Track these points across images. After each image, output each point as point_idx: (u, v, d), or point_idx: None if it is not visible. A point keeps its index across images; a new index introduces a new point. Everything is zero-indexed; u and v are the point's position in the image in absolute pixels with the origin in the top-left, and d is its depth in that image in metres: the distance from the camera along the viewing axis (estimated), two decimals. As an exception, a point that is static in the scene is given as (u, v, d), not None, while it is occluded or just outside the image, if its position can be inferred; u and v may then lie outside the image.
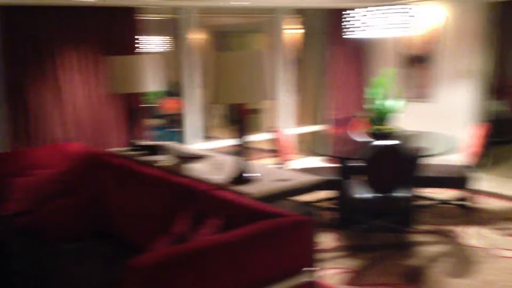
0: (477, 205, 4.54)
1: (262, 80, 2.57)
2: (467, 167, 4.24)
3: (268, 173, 2.96)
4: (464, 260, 3.56)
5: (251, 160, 2.87)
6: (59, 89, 4.33)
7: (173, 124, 6.97)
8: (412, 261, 3.59)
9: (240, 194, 2.60)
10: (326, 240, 4.03)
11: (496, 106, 7.02)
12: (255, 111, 8.09)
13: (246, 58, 2.59)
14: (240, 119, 2.71)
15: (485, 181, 5.17)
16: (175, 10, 5.10)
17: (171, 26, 5.53)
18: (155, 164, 3.27)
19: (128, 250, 2.85)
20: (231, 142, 5.74)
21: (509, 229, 4.07)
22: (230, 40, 9.44)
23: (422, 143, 4.65)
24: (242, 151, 2.74)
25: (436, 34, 5.84)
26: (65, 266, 2.79)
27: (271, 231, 2.12)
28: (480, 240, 3.87)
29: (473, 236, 3.97)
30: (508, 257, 3.56)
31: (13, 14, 4.05)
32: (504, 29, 7.30)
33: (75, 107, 4.42)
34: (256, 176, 2.79)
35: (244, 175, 2.75)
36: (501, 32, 7.16)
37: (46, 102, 4.28)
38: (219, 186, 2.71)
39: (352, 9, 4.09)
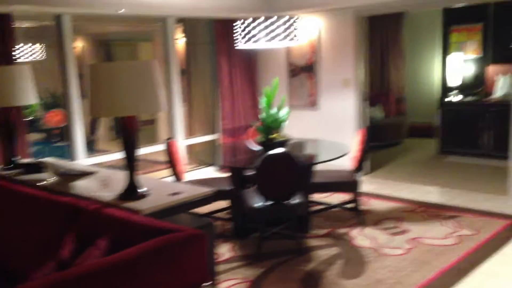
0: (364, 207, 4.80)
1: (151, 91, 2.45)
2: (353, 171, 4.46)
3: (160, 187, 2.84)
4: (355, 261, 3.71)
5: (142, 174, 2.74)
6: None
7: (59, 138, 6.52)
8: (309, 266, 3.67)
9: (130, 211, 2.46)
10: (223, 251, 3.99)
11: (373, 112, 7.55)
12: (150, 122, 7.87)
13: (133, 67, 2.45)
14: (127, 131, 2.56)
15: (367, 184, 5.52)
16: (55, 17, 4.77)
17: (51, 34, 5.16)
18: (37, 184, 2.99)
19: (8, 279, 2.57)
20: (120, 156, 5.49)
21: (392, 228, 4.34)
22: (117, 49, 9.12)
23: (312, 150, 4.82)
24: (130, 164, 2.59)
25: (315, 45, 6.14)
26: None
27: (164, 248, 2.01)
28: (368, 241, 4.07)
29: (362, 237, 4.16)
30: (393, 255, 3.78)
31: None
32: (373, 41, 7.94)
33: None
34: (147, 191, 2.66)
35: (134, 190, 2.61)
36: (371, 44, 7.76)
37: None
38: (107, 204, 2.54)
39: (239, 20, 4.13)
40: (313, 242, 4.09)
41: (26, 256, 2.67)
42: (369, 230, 4.30)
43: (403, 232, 4.23)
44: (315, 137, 5.28)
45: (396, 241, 4.03)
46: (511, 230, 4.14)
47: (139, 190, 2.62)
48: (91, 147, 5.66)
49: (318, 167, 4.31)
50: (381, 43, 8.15)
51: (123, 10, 4.81)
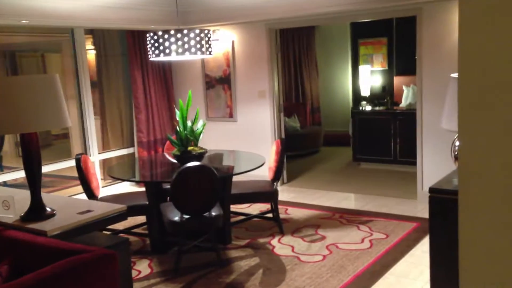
0: (283, 216, 4.88)
1: (52, 106, 2.33)
2: (271, 181, 4.53)
3: (69, 205, 2.70)
4: (276, 270, 3.75)
5: (54, 191, 2.59)
6: None
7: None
8: (230, 278, 3.65)
9: (35, 232, 2.31)
10: (142, 267, 3.86)
11: (289, 123, 7.76)
12: (63, 136, 7.50)
13: (34, 82, 2.33)
14: (29, 149, 2.41)
15: (284, 193, 5.64)
16: None
17: None
18: None
19: None
20: (24, 172, 5.16)
21: (310, 235, 4.44)
22: (23, 60, 8.62)
23: (229, 162, 4.83)
24: (33, 183, 2.44)
25: (230, 57, 6.21)
26: None
27: (70, 271, 1.90)
28: (288, 249, 4.14)
29: (282, 245, 4.22)
30: (311, 261, 3.87)
31: None
32: (287, 53, 8.19)
33: None
34: (55, 210, 2.51)
35: (39, 210, 2.45)
36: (284, 56, 8.00)
37: None
38: (9, 226, 2.36)
39: (152, 31, 4.07)
40: (234, 253, 4.08)
41: None
42: (288, 239, 4.37)
43: (321, 238, 4.34)
44: (233, 149, 5.31)
45: (315, 248, 4.13)
46: (419, 232, 4.39)
47: (44, 210, 2.47)
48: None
49: (236, 178, 4.32)
50: (295, 54, 8.39)
51: (24, 21, 4.55)
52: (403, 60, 7.59)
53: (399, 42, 7.57)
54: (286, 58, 8.23)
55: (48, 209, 2.50)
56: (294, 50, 8.38)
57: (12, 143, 7.78)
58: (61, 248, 2.08)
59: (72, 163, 5.26)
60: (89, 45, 6.23)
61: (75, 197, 4.23)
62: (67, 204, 2.74)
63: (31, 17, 4.58)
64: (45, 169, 4.82)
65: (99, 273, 2.01)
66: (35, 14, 4.61)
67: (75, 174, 5.45)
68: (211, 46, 4.24)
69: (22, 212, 2.48)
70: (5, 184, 4.81)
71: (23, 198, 2.67)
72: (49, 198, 2.73)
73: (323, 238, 4.35)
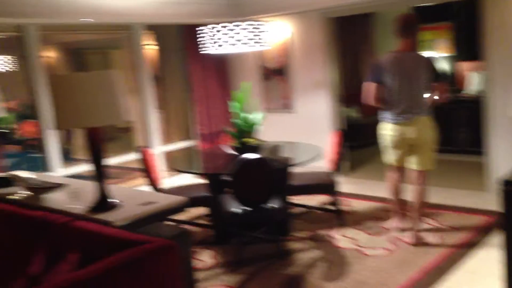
0: (344, 208, 4.79)
1: (115, 101, 2.39)
2: (331, 172, 4.45)
3: (133, 196, 2.77)
4: (338, 263, 3.69)
5: (118, 183, 2.67)
6: None
7: (33, 149, 6.37)
8: (291, 269, 3.63)
9: (102, 223, 2.38)
10: (205, 258, 3.93)
11: (349, 113, 7.58)
12: (125, 130, 7.76)
13: (91, 79, 2.40)
14: (93, 143, 2.49)
15: (346, 184, 5.50)
16: (17, 27, 4.65)
17: (16, 45, 5.03)
18: (6, 198, 2.88)
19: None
20: (90, 165, 5.36)
21: (372, 228, 4.33)
22: (89, 57, 8.98)
23: (287, 153, 4.79)
24: (99, 175, 2.52)
25: (286, 48, 6.13)
26: None
27: (136, 260, 1.95)
28: (350, 242, 4.06)
29: (344, 238, 4.15)
30: (374, 255, 3.77)
31: None
32: (344, 41, 7.98)
33: None
34: (119, 201, 2.59)
35: (105, 201, 2.53)
36: (342, 45, 7.80)
37: None
38: (78, 217, 2.46)
39: (205, 25, 4.08)
40: (294, 245, 4.06)
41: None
42: (350, 231, 4.28)
43: (384, 231, 4.22)
44: (290, 140, 5.25)
45: (378, 241, 4.02)
46: (490, 226, 4.16)
47: (110, 201, 2.55)
48: (68, 156, 5.53)
49: (295, 170, 4.28)
50: (354, 43, 8.18)
51: (87, 19, 4.72)
52: (467, 45, 7.19)
53: (463, 26, 7.17)
54: (344, 47, 8.03)
55: (114, 200, 2.58)
56: (354, 38, 8.17)
57: (81, 137, 8.16)
58: (126, 238, 2.13)
59: (135, 156, 5.44)
60: (151, 41, 6.39)
61: (138, 188, 4.36)
62: (131, 195, 2.80)
63: (96, 16, 4.75)
64: (111, 161, 5.01)
65: (159, 263, 2.05)
66: (98, 12, 4.77)
67: (138, 166, 5.65)
68: (266, 37, 4.21)
69: (90, 203, 2.57)
70: (76, 176, 5.04)
71: (89, 190, 2.77)
72: (114, 190, 2.82)
73: (387, 231, 4.22)
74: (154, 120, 5.87)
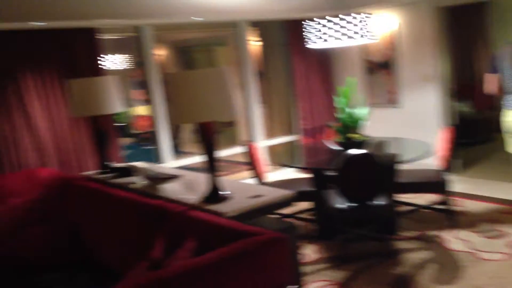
0: (455, 208, 4.51)
1: (226, 97, 2.47)
2: (442, 170, 4.21)
3: (241, 189, 2.85)
4: (450, 266, 3.49)
5: (224, 175, 2.76)
6: (27, 114, 4.16)
7: (146, 142, 6.83)
8: (399, 269, 3.51)
9: (214, 213, 2.49)
10: (308, 252, 3.93)
11: (460, 108, 7.09)
12: (229, 124, 8.01)
13: (207, 75, 2.49)
14: (206, 136, 2.59)
15: (458, 183, 5.15)
16: (135, 28, 4.98)
17: (132, 44, 5.41)
18: (128, 187, 3.12)
19: (106, 277, 2.72)
20: (203, 158, 5.62)
21: (488, 231, 4.03)
22: (194, 54, 9.38)
23: (394, 149, 4.62)
24: (211, 167, 2.62)
25: (393, 41, 5.88)
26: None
27: (248, 251, 2.00)
28: (463, 244, 3.82)
29: (456, 240, 3.92)
30: (491, 259, 3.51)
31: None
32: (456, 32, 7.45)
33: (45, 131, 4.26)
34: (229, 193, 2.68)
35: (217, 193, 2.63)
36: (453, 36, 7.29)
37: (15, 128, 4.11)
38: (192, 206, 2.58)
39: (310, 19, 4.05)
40: (402, 245, 3.91)
41: (119, 254, 2.80)
42: (462, 233, 4.03)
43: (502, 235, 3.91)
44: (396, 136, 5.06)
45: (494, 245, 3.74)
46: None
47: (221, 193, 2.64)
48: (177, 149, 5.85)
49: (402, 167, 4.12)
50: (467, 34, 7.65)
51: (198, 18, 4.92)
52: None
53: None
54: (456, 38, 7.55)
55: (225, 192, 2.67)
56: (466, 29, 7.65)
57: (189, 131, 8.58)
58: (238, 229, 2.20)
59: (239, 149, 5.59)
60: (255, 37, 6.52)
61: (245, 181, 4.48)
62: (240, 188, 2.89)
63: (205, 14, 4.95)
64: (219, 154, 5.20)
65: (270, 255, 2.08)
66: (206, 11, 4.96)
67: (240, 159, 5.82)
68: (372, 30, 4.09)
69: (203, 194, 2.69)
70: (184, 167, 5.32)
71: (201, 182, 2.90)
72: (224, 182, 2.92)
73: (505, 234, 3.91)
74: (257, 115, 5.98)
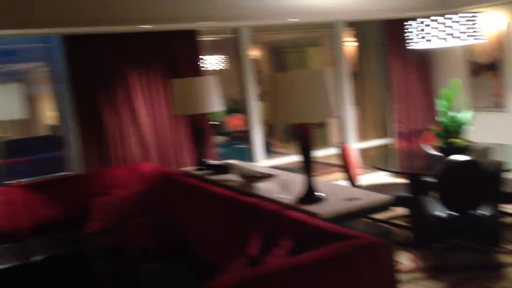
0: None
1: (325, 98, 2.46)
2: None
3: (336, 191, 2.82)
4: (561, 285, 3.20)
5: (318, 177, 2.75)
6: (132, 112, 4.46)
7: (239, 141, 7.00)
8: (502, 284, 3.28)
9: (309, 214, 2.49)
10: (403, 261, 3.80)
11: None
12: (320, 125, 7.96)
13: (306, 76, 2.50)
14: (303, 137, 2.60)
15: None
16: (233, 29, 5.12)
17: (229, 45, 5.57)
18: (224, 184, 3.23)
19: (202, 269, 2.83)
20: (296, 158, 5.64)
21: None
22: (286, 55, 9.42)
23: (499, 157, 4.30)
24: (307, 168, 2.62)
25: (500, 41, 5.46)
26: (144, 286, 2.80)
27: (346, 254, 1.98)
28: None
29: None
30: None
31: (78, 43, 4.22)
32: None
33: (147, 128, 4.53)
34: (324, 195, 2.66)
35: (311, 194, 2.63)
36: None
37: (121, 125, 4.42)
38: (287, 206, 2.61)
39: (413, 19, 3.89)
40: (506, 259, 3.64)
41: (214, 249, 2.90)
42: None
43: None
44: (502, 142, 4.70)
45: None
46: None
47: (316, 194, 2.64)
48: (268, 149, 5.93)
49: (509, 176, 3.82)
50: None
51: (294, 19, 4.95)
52: None
53: None
54: None
55: (320, 194, 2.66)
56: None
57: (280, 131, 8.67)
58: (334, 231, 2.18)
59: (331, 151, 5.54)
60: (350, 37, 6.42)
61: (337, 183, 4.43)
62: (334, 190, 2.86)
63: (302, 15, 4.96)
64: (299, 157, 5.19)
65: (367, 259, 2.04)
66: (303, 12, 4.97)
67: (330, 161, 5.76)
68: (479, 30, 3.85)
69: (297, 194, 2.70)
70: (276, 167, 5.37)
71: (296, 182, 2.91)
72: (318, 183, 2.91)
73: None
74: (350, 116, 5.89)
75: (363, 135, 6.30)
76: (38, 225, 3.75)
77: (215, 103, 3.59)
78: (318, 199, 2.62)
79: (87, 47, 4.25)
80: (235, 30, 5.12)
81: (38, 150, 6.83)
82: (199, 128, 3.84)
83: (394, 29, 5.81)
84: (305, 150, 2.63)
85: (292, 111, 2.48)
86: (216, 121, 6.94)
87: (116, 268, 3.03)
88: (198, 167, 3.77)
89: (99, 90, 4.33)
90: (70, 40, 4.20)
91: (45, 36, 4.53)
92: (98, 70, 4.32)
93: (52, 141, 7.37)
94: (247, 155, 5.36)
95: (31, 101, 7.23)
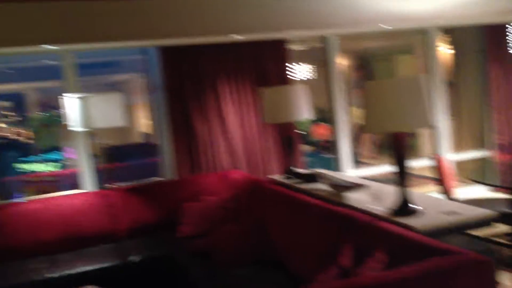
0: None
1: (421, 107, 2.37)
2: None
3: (433, 204, 2.69)
4: None
5: (412, 189, 2.64)
6: (222, 120, 4.59)
7: (324, 150, 6.94)
8: None
9: (404, 227, 2.39)
10: (506, 282, 3.52)
11: None
12: (410, 135, 7.68)
13: (402, 84, 2.42)
14: (397, 145, 2.51)
15: None
16: (321, 38, 5.09)
17: (316, 54, 5.53)
18: (313, 193, 3.21)
19: (291, 277, 2.83)
20: (385, 168, 5.46)
21: None
22: (374, 63, 9.20)
23: None
24: (401, 179, 2.52)
25: None
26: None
27: (448, 271, 1.88)
28: None
29: None
30: None
31: (173, 53, 4.42)
32: None
33: (236, 136, 4.63)
34: (420, 207, 2.55)
35: (406, 205, 2.53)
36: None
37: (211, 133, 4.56)
38: (381, 218, 2.53)
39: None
40: None
41: (302, 257, 2.88)
42: None
43: None
44: None
45: None
46: None
47: (411, 206, 2.53)
48: (354, 160, 5.81)
49: None
50: None
51: (386, 26, 4.82)
52: None
53: None
54: None
55: (415, 206, 2.55)
56: None
57: (368, 141, 8.48)
58: (434, 246, 2.08)
59: (424, 161, 5.30)
60: (444, 44, 6.12)
61: (432, 196, 4.22)
62: (429, 202, 2.73)
63: (391, 22, 4.82)
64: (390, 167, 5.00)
65: (473, 279, 1.92)
66: (395, 19, 4.83)
67: (422, 172, 5.49)
68: None
69: (391, 205, 2.60)
70: (364, 178, 5.24)
71: (388, 193, 2.81)
72: (414, 195, 2.79)
73: None
74: (445, 126, 5.60)
75: (458, 147, 5.96)
76: (135, 227, 3.96)
77: (304, 112, 3.60)
78: (413, 212, 2.52)
79: (182, 57, 4.44)
80: (323, 39, 5.09)
81: (133, 156, 7.25)
82: (288, 136, 3.86)
83: (495, 34, 5.46)
84: (399, 160, 2.54)
85: (387, 119, 2.41)
86: (302, 130, 6.94)
87: (208, 272, 3.11)
88: (286, 175, 3.79)
89: (191, 99, 4.50)
90: (166, 51, 4.42)
91: (143, 48, 4.81)
92: (190, 79, 4.49)
93: (146, 148, 7.80)
94: (333, 165, 5.29)
95: (127, 110, 7.69)
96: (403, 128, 2.44)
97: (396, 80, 2.53)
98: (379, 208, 2.65)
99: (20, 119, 12.97)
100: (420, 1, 4.86)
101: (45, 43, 3.91)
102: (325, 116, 5.92)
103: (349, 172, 5.16)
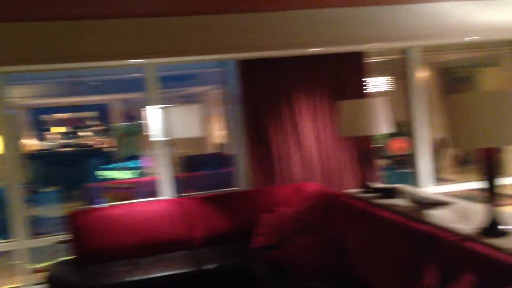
0: None
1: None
2: None
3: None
4: None
5: (502, 208, 2.47)
6: (297, 132, 4.58)
7: (401, 165, 6.70)
8: None
9: (494, 248, 2.23)
10: None
11: None
12: (498, 151, 7.22)
13: (494, 97, 2.28)
14: (487, 161, 2.36)
15: None
16: (401, 50, 4.95)
17: (395, 66, 5.37)
18: (392, 208, 3.10)
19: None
20: (469, 185, 5.16)
21: None
22: (457, 76, 8.79)
23: None
24: (491, 197, 2.37)
25: None
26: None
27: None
28: None
29: None
30: None
31: (251, 66, 4.48)
32: None
33: (311, 148, 4.61)
34: (511, 228, 2.37)
35: (496, 226, 2.37)
36: None
37: (286, 144, 4.57)
38: (467, 237, 2.38)
39: None
40: None
41: (379, 273, 2.78)
42: None
43: None
44: None
45: None
46: None
47: (504, 226, 2.37)
48: (434, 176, 5.56)
49: None
50: None
51: (472, 37, 4.59)
52: None
53: None
54: None
55: (506, 226, 2.38)
56: None
57: (450, 157, 8.10)
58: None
59: (509, 179, 4.96)
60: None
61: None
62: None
63: (476, 33, 4.59)
64: (475, 184, 4.72)
65: None
66: (483, 30, 4.58)
67: (509, 192, 5.12)
68: None
69: (479, 225, 2.45)
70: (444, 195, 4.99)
71: (476, 211, 2.66)
72: (502, 214, 2.61)
73: None
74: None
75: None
76: (209, 236, 4.03)
77: (383, 125, 3.50)
78: (504, 233, 2.36)
79: (259, 69, 4.50)
80: (403, 51, 4.95)
81: (207, 166, 7.41)
82: (365, 150, 3.77)
83: None
84: (490, 177, 2.40)
85: (477, 135, 2.28)
86: (378, 144, 6.77)
87: (282, 283, 3.09)
88: (363, 189, 3.69)
89: (268, 110, 4.54)
90: (244, 64, 4.50)
91: (221, 61, 4.92)
92: (267, 91, 4.54)
93: (220, 158, 7.95)
94: (411, 180, 5.10)
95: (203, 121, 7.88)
96: (495, 144, 2.30)
97: (487, 93, 2.38)
98: (466, 227, 2.50)
99: (104, 128, 13.78)
100: (509, 12, 4.59)
101: (132, 58, 4.10)
102: (402, 129, 5.73)
103: (429, 188, 4.95)
